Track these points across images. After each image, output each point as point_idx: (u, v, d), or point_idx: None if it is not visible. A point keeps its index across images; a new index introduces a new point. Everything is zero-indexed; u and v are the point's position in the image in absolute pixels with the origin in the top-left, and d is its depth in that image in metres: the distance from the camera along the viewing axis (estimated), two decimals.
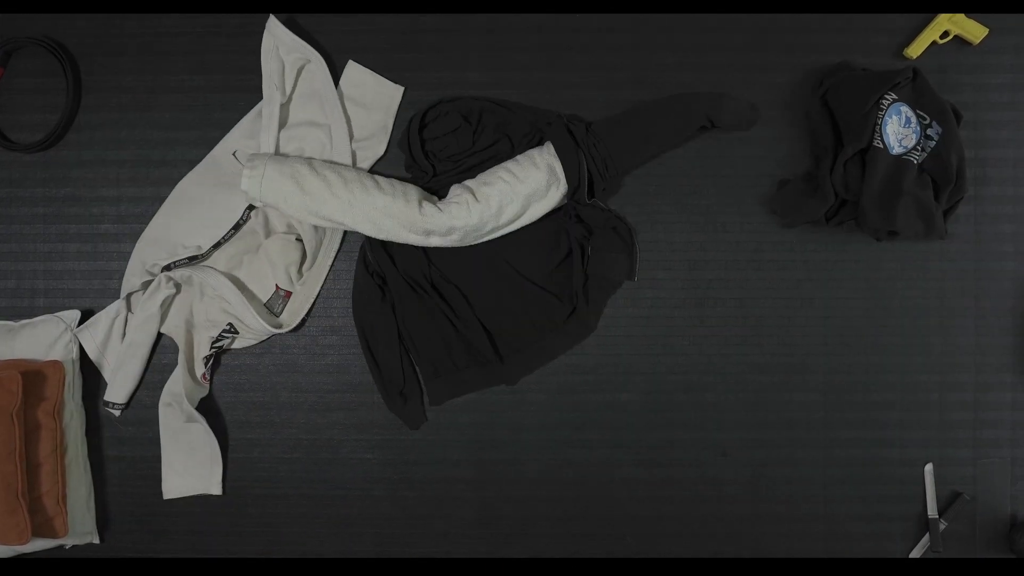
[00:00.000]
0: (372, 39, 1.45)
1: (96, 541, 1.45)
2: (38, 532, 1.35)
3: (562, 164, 1.35)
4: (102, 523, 1.45)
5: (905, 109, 1.36)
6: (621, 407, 1.45)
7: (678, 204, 1.44)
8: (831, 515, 1.45)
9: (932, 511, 1.43)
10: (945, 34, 1.42)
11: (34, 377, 1.34)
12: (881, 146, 1.36)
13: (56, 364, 1.37)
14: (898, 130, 1.36)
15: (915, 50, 1.42)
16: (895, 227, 1.34)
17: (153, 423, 1.44)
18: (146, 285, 1.41)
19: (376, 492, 1.46)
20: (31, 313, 1.44)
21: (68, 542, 1.42)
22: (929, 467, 1.44)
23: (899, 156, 1.36)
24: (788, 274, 1.44)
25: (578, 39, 1.44)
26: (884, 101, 1.36)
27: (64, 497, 1.38)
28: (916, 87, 1.38)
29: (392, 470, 1.46)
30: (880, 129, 1.36)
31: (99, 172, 1.45)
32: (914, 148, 1.37)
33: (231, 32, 1.45)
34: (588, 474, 1.45)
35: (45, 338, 1.40)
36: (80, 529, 1.42)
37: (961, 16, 1.40)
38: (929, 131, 1.37)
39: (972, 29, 1.41)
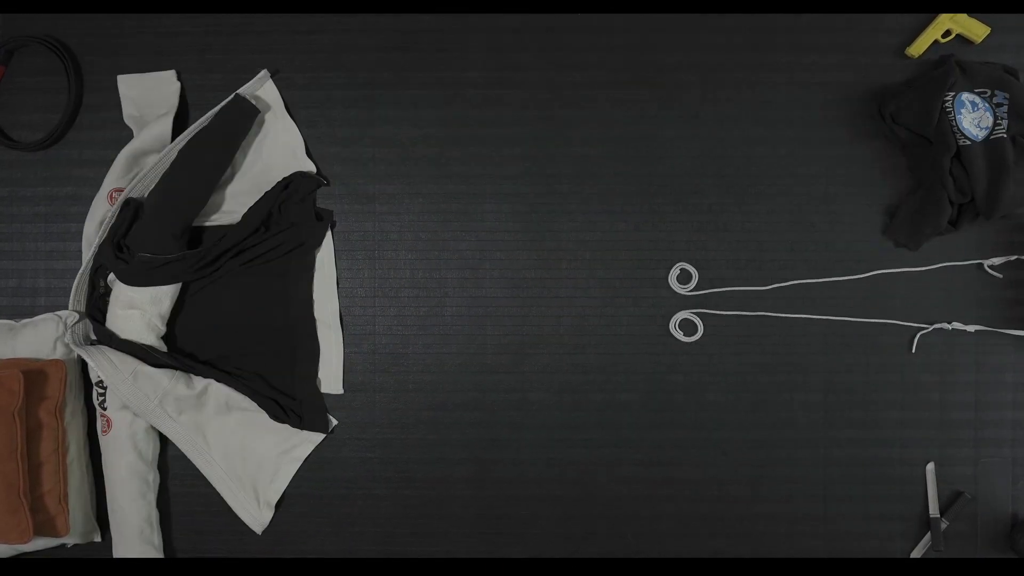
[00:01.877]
0: (372, 39, 1.45)
1: (98, 540, 1.45)
2: (40, 531, 1.35)
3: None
4: (103, 522, 1.45)
5: (967, 96, 1.37)
6: (622, 407, 1.45)
7: (679, 204, 1.44)
8: (831, 515, 1.45)
9: (934, 510, 1.43)
10: (947, 33, 1.41)
11: (36, 376, 1.35)
12: (967, 142, 1.36)
13: (58, 363, 1.37)
14: (972, 117, 1.36)
15: (917, 49, 1.41)
16: (1005, 211, 1.35)
17: None
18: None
19: (377, 491, 1.46)
20: (32, 312, 1.44)
21: (69, 541, 1.42)
22: (931, 466, 1.44)
23: (987, 139, 1.36)
24: (789, 274, 1.44)
25: (578, 39, 1.44)
26: (947, 103, 1.36)
27: (66, 496, 1.38)
28: (965, 73, 1.38)
29: (393, 469, 1.46)
30: (957, 127, 1.36)
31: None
32: (995, 124, 1.37)
33: (231, 32, 1.45)
34: (588, 474, 1.45)
35: (46, 337, 1.40)
36: (81, 528, 1.42)
37: (963, 15, 1.40)
38: (996, 99, 1.37)
39: (974, 28, 1.41)
